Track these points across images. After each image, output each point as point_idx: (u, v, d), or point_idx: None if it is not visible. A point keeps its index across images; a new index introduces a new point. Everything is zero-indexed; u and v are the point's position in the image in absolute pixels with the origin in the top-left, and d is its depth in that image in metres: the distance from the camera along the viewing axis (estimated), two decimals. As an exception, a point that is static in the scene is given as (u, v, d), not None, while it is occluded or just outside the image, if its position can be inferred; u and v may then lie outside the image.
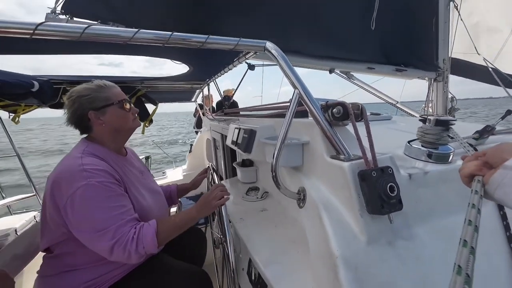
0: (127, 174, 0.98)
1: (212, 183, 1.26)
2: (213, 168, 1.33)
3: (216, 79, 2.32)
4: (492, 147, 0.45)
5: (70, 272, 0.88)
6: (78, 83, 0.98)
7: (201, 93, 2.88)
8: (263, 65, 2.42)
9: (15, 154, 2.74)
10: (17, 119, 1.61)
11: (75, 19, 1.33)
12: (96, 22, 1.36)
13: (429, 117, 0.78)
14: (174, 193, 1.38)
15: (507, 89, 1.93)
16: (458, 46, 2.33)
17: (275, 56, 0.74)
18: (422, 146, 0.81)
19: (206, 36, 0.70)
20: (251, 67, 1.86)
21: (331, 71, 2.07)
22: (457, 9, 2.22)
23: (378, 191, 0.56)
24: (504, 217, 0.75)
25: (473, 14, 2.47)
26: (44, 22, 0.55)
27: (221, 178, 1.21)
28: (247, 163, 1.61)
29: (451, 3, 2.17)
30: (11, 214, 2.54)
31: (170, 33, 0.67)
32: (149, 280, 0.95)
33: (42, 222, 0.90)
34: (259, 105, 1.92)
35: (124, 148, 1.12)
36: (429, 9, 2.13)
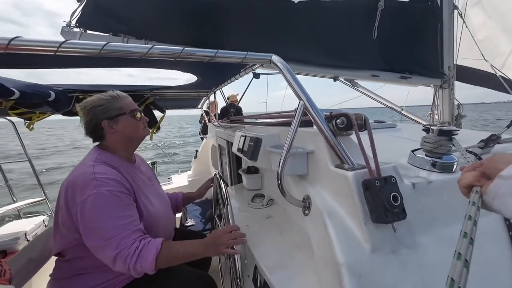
0: (136, 181, 1.02)
1: (219, 191, 1.27)
2: (220, 176, 1.34)
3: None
4: (488, 157, 0.45)
5: (81, 276, 0.91)
6: (90, 92, 1.02)
7: (207, 100, 2.93)
8: (268, 73, 2.46)
9: (27, 159, 2.85)
10: (31, 126, 1.68)
11: (88, 31, 1.41)
12: (108, 35, 1.43)
13: (432, 127, 0.79)
14: (180, 201, 1.41)
15: None
16: (465, 53, 2.32)
17: (280, 69, 0.78)
18: (426, 155, 0.81)
19: (216, 50, 0.73)
20: (256, 75, 1.88)
21: (335, 79, 2.09)
22: (461, 17, 2.23)
23: (382, 200, 0.57)
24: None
25: (480, 23, 2.47)
26: (67, 40, 0.59)
27: (226, 185, 1.23)
28: (252, 170, 1.63)
29: (455, 11, 2.19)
30: (21, 218, 2.62)
31: (182, 48, 0.71)
32: (157, 284, 0.97)
33: (54, 227, 0.93)
34: (264, 112, 1.95)
35: (134, 155, 1.16)
36: (433, 17, 2.14)
